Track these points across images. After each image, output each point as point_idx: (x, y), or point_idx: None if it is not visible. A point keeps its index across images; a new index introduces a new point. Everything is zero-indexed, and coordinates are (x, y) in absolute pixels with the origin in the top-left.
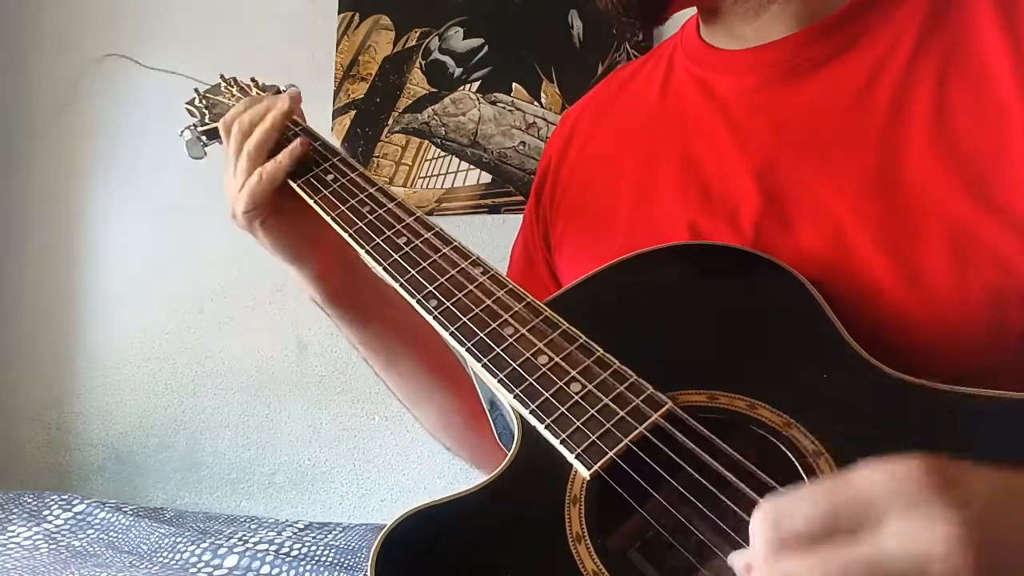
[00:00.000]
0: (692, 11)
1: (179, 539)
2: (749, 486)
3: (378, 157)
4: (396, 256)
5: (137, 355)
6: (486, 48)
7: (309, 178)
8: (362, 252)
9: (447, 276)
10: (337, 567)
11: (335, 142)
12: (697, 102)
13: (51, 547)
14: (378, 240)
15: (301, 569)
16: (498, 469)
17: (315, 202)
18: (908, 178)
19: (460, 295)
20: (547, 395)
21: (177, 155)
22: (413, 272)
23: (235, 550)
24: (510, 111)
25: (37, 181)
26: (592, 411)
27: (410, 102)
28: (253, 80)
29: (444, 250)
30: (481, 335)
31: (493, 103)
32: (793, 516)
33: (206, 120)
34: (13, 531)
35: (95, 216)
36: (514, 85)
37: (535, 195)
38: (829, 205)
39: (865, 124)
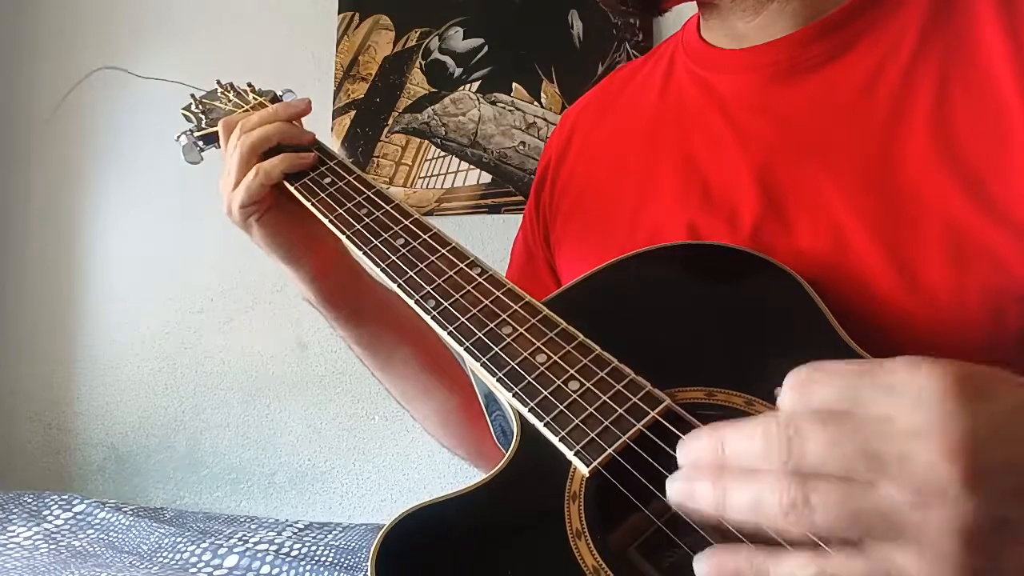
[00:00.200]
0: (693, 9)
1: (179, 539)
2: None
3: (378, 157)
4: (394, 258)
5: (137, 355)
6: (486, 48)
7: (306, 181)
8: (360, 254)
9: (445, 277)
10: (337, 567)
11: (335, 142)
12: (697, 101)
13: (51, 547)
14: (376, 242)
15: (301, 569)
16: (497, 467)
17: (313, 205)
18: (907, 178)
19: (458, 295)
20: (546, 393)
21: (176, 157)
22: (411, 273)
23: (235, 550)
24: (510, 111)
25: (38, 182)
26: (591, 409)
27: (410, 102)
28: (250, 85)
29: (442, 251)
30: (479, 334)
31: (493, 103)
32: (817, 389)
33: (203, 125)
34: (13, 531)
35: (95, 217)
36: (514, 85)
37: (535, 195)
38: (828, 205)
39: (865, 124)
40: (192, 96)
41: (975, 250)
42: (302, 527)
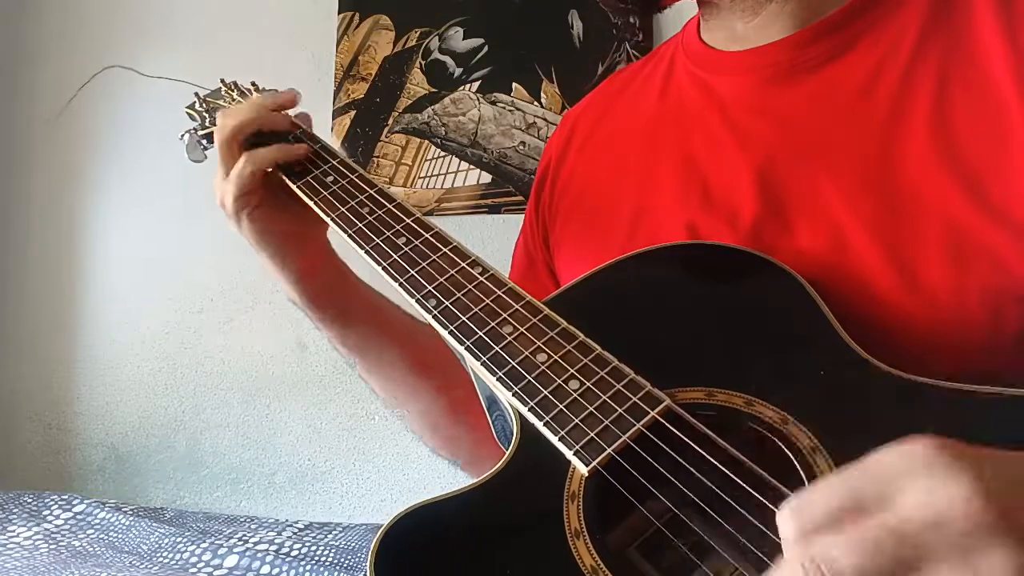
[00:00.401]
0: (693, 9)
1: (179, 539)
2: (747, 482)
3: (378, 157)
4: (395, 256)
5: (137, 355)
6: (486, 48)
7: (309, 180)
8: (362, 252)
9: (446, 276)
10: (337, 567)
11: (335, 142)
12: (697, 103)
13: (51, 547)
14: (377, 240)
15: (301, 569)
16: (497, 466)
17: (315, 203)
18: (907, 178)
19: (459, 294)
20: (546, 392)
21: (178, 156)
22: (412, 272)
23: (235, 550)
24: (510, 111)
25: (39, 182)
26: (591, 408)
27: (410, 102)
28: (253, 84)
29: (444, 250)
30: (480, 333)
31: (493, 103)
32: (815, 504)
33: (206, 124)
34: (13, 531)
35: (95, 216)
36: (514, 85)
37: (535, 195)
38: (828, 205)
39: (865, 124)
40: (196, 95)
41: (975, 250)
42: (302, 527)
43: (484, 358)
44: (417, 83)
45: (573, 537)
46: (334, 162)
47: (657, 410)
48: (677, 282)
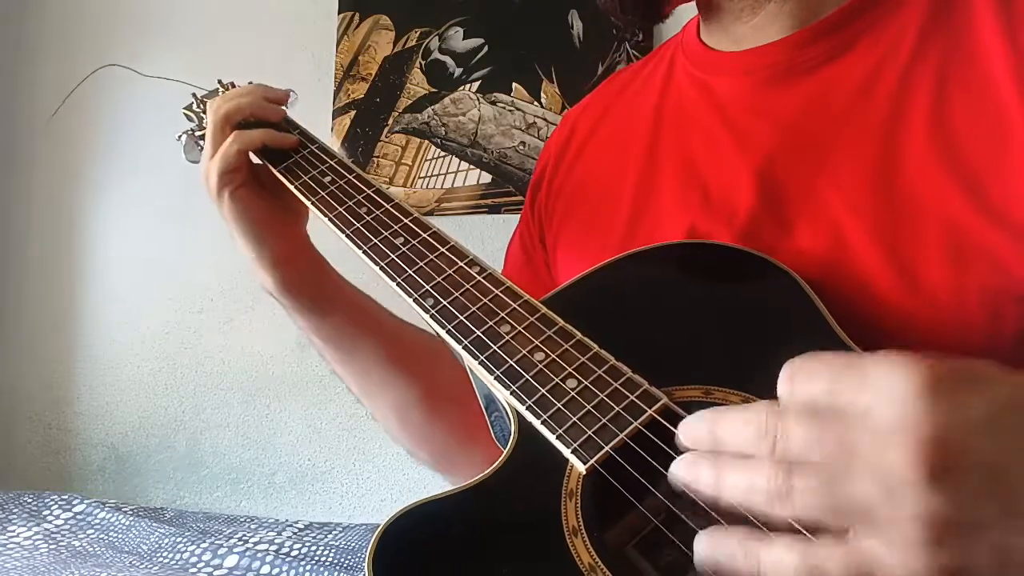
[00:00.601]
0: (693, 10)
1: (179, 539)
2: None
3: (378, 157)
4: (393, 256)
5: (137, 355)
6: (486, 48)
7: (307, 179)
8: (359, 252)
9: (444, 275)
10: (337, 567)
11: (335, 142)
12: (696, 104)
13: (51, 547)
14: (375, 240)
15: (301, 569)
16: (494, 465)
17: (313, 203)
18: (907, 179)
19: (457, 293)
20: (543, 391)
21: (178, 156)
22: (410, 271)
23: (235, 550)
24: (510, 111)
25: (39, 182)
26: (588, 407)
27: (410, 102)
28: (250, 84)
29: (441, 249)
30: (478, 332)
31: (493, 103)
32: (804, 380)
33: (203, 124)
34: (13, 531)
35: (95, 216)
36: (514, 85)
37: (531, 193)
38: (828, 205)
39: (864, 125)
40: (193, 96)
41: (974, 251)
42: (302, 527)
43: (482, 357)
44: (417, 83)
45: (571, 535)
46: (332, 162)
47: (654, 408)
48: (675, 281)
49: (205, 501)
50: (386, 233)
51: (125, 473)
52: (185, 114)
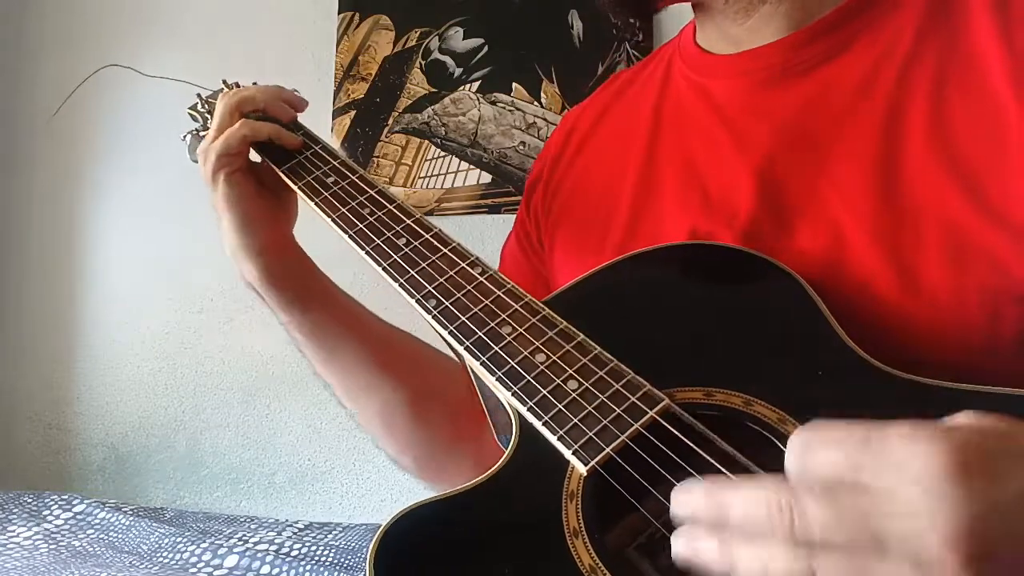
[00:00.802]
0: (691, 14)
1: (179, 539)
2: None
3: (378, 157)
4: (396, 257)
5: (137, 355)
6: (486, 48)
7: (310, 180)
8: (362, 253)
9: (446, 276)
10: (337, 567)
11: (335, 142)
12: (694, 106)
13: (51, 547)
14: (378, 241)
15: (301, 569)
16: (496, 466)
17: (316, 204)
18: (906, 179)
19: (459, 295)
20: (545, 392)
21: (178, 156)
22: (412, 272)
23: (235, 550)
24: (510, 111)
25: (39, 182)
26: (589, 408)
27: (410, 102)
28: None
29: (444, 250)
30: (480, 334)
31: (493, 103)
32: (819, 451)
33: (207, 124)
34: (13, 531)
35: (95, 216)
36: (514, 85)
37: (527, 193)
38: (827, 206)
39: (862, 125)
40: (198, 96)
41: (974, 251)
42: (302, 527)
43: (483, 358)
44: (417, 83)
45: (572, 536)
46: (335, 163)
47: (656, 410)
48: (676, 282)
49: (205, 501)
50: (389, 234)
51: (125, 473)
52: (190, 114)
